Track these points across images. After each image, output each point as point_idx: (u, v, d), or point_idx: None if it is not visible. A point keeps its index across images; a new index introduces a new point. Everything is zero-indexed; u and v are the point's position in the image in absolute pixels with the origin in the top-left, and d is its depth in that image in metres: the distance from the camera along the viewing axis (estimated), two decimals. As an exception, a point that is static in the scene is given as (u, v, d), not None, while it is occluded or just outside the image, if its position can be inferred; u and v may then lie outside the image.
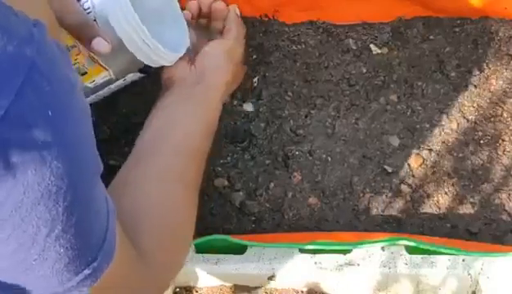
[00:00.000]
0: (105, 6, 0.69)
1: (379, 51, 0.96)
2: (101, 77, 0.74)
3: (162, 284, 0.65)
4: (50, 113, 0.41)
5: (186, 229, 0.69)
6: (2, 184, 0.38)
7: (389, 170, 0.86)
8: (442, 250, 0.75)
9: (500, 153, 0.87)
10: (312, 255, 0.77)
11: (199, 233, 0.82)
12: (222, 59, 0.79)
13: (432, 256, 0.76)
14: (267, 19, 0.99)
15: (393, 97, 0.92)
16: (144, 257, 0.59)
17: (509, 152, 0.87)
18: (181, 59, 0.78)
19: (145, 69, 0.76)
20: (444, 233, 0.82)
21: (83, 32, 0.68)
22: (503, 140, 0.88)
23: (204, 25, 0.86)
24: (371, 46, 0.97)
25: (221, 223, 0.83)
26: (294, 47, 0.97)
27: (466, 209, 0.83)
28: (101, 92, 0.76)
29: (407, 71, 0.94)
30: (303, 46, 0.97)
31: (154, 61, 0.74)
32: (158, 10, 0.79)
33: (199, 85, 0.76)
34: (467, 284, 0.76)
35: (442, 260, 0.76)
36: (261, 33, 0.98)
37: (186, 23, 0.80)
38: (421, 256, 0.76)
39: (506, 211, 0.83)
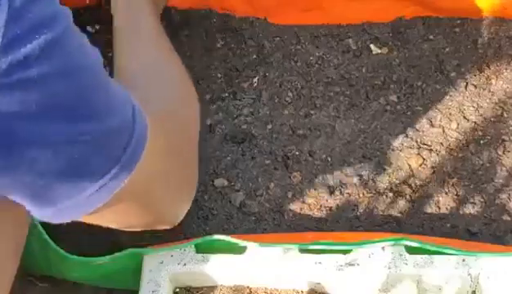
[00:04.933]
0: None
1: (379, 51, 0.96)
2: None
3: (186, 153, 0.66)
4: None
5: (185, 85, 0.72)
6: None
7: (389, 170, 0.86)
8: (442, 250, 0.75)
9: (500, 153, 0.87)
10: (312, 255, 0.77)
11: (199, 233, 0.82)
12: None
13: (432, 256, 0.76)
14: (267, 19, 0.99)
15: (393, 97, 0.92)
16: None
17: (509, 152, 0.87)
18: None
19: None
20: (444, 233, 0.82)
21: None
22: (503, 140, 0.88)
23: None
24: (371, 46, 0.97)
25: (221, 223, 0.83)
26: (294, 47, 0.97)
27: (466, 209, 0.83)
28: None
29: (407, 71, 0.94)
30: (303, 46, 0.97)
31: None
32: None
33: (129, 14, 0.78)
34: (467, 284, 0.76)
35: (442, 260, 0.76)
36: (261, 33, 0.98)
37: None
38: (421, 256, 0.76)
39: (507, 211, 0.83)
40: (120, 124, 0.48)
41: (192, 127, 0.71)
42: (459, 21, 0.98)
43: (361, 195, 0.85)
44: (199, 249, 0.78)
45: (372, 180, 0.86)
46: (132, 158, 0.49)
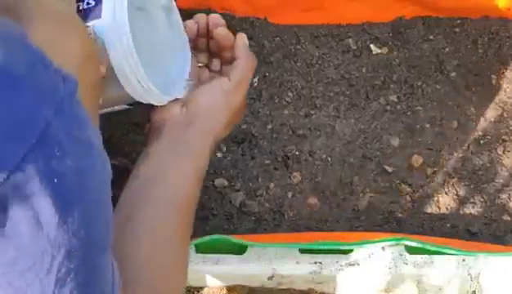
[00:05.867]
0: (103, 30, 0.60)
1: (379, 51, 0.96)
2: None
3: None
4: (56, 180, 0.38)
5: (179, 283, 0.66)
6: None
7: (389, 170, 0.86)
8: (442, 250, 0.75)
9: (500, 153, 0.87)
10: (312, 255, 0.77)
11: (199, 233, 0.82)
12: (220, 103, 0.70)
13: (432, 256, 0.76)
14: (267, 19, 0.99)
15: (393, 97, 0.92)
16: None
17: (509, 152, 0.87)
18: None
19: (134, 103, 0.71)
20: (444, 233, 0.82)
21: None
22: (503, 140, 0.88)
23: (201, 48, 0.76)
24: (371, 46, 0.97)
25: (221, 223, 0.83)
26: (294, 47, 0.97)
27: (466, 209, 0.83)
28: None
29: (407, 71, 0.94)
30: (303, 46, 0.97)
31: (145, 99, 0.68)
32: (164, 42, 0.71)
33: (191, 129, 0.68)
34: (467, 284, 0.76)
35: (443, 260, 0.76)
36: (261, 33, 0.98)
37: (190, 64, 0.71)
38: (421, 256, 0.76)
39: (507, 211, 0.83)
40: None
41: None
42: (459, 21, 0.98)
43: (361, 195, 0.85)
44: (199, 249, 0.78)
45: (372, 179, 0.86)
46: None
